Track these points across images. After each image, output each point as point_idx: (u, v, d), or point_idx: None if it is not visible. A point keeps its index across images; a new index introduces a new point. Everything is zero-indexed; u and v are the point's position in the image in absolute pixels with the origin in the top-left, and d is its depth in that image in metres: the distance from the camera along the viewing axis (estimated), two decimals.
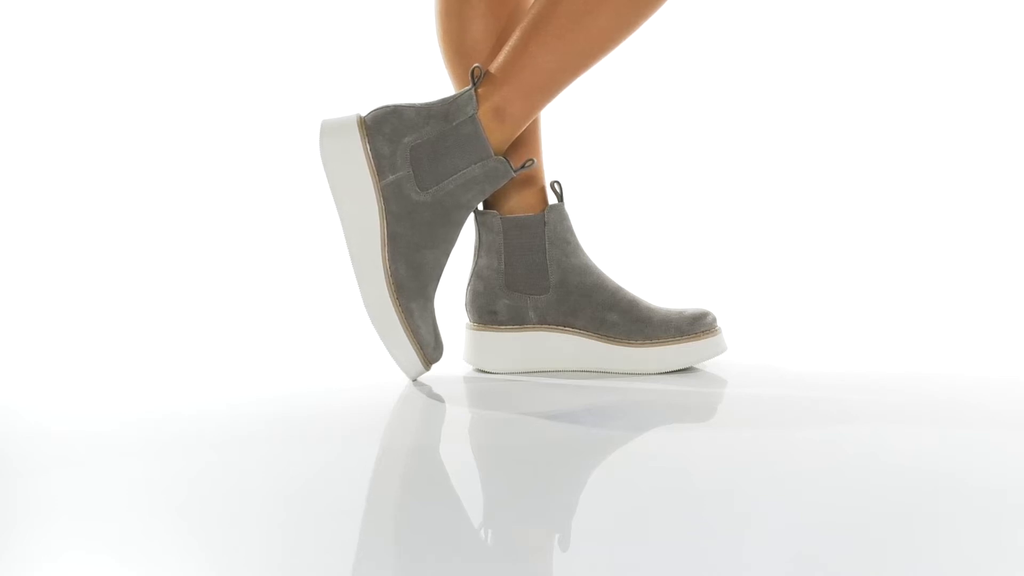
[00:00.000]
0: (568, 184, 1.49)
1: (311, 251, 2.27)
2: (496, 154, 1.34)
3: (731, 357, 1.47)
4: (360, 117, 1.35)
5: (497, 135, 1.34)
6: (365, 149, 1.33)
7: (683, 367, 1.40)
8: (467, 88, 1.34)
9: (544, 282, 1.41)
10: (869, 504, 0.93)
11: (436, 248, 1.34)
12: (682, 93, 2.76)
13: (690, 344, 1.39)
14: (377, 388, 1.36)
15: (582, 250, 1.43)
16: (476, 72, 1.33)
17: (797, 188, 2.63)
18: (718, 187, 2.66)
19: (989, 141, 2.64)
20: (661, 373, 1.40)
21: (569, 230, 1.42)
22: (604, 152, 2.70)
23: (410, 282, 1.33)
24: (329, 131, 1.34)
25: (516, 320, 1.42)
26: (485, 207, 1.43)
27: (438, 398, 1.32)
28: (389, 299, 1.33)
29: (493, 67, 1.34)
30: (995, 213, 2.50)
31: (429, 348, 1.35)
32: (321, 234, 2.07)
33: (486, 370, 1.43)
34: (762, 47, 2.76)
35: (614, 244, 2.12)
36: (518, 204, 1.42)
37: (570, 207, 1.48)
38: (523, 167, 1.35)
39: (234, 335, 1.79)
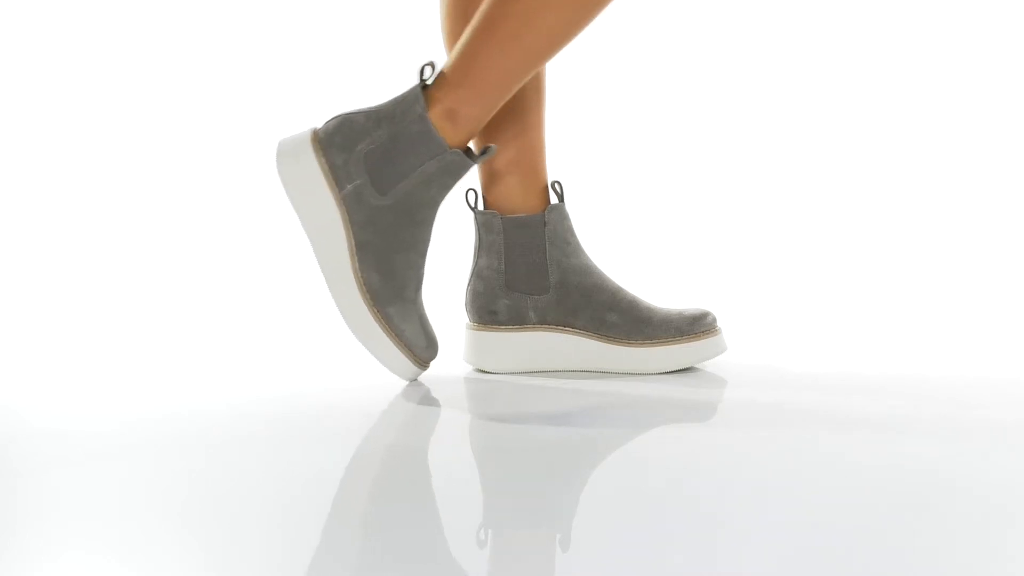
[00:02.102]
0: (568, 184, 1.49)
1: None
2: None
3: (731, 357, 1.48)
4: (314, 131, 1.33)
5: (452, 136, 1.31)
6: (320, 164, 1.32)
7: (683, 367, 1.40)
8: (414, 86, 1.32)
9: (544, 282, 1.41)
10: (869, 504, 0.93)
11: (407, 250, 1.33)
12: (682, 94, 2.76)
13: (690, 344, 1.39)
14: (377, 388, 1.36)
15: (583, 250, 1.43)
16: (425, 69, 1.32)
17: (796, 188, 2.64)
18: (718, 187, 2.66)
19: (989, 141, 2.64)
20: (661, 373, 1.40)
21: (569, 230, 1.42)
22: (604, 152, 2.70)
23: (383, 288, 1.33)
24: (285, 152, 1.33)
25: (516, 320, 1.41)
26: (485, 207, 1.43)
27: (438, 398, 1.32)
28: (365, 307, 1.32)
29: (446, 68, 1.31)
30: (995, 213, 2.50)
31: (419, 348, 1.35)
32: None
33: (486, 370, 1.43)
34: (761, 48, 2.76)
35: (614, 244, 2.12)
36: (519, 204, 1.42)
37: (571, 207, 1.48)
38: (484, 154, 1.33)
39: (234, 335, 1.79)
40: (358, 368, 1.43)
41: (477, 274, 1.43)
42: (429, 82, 1.31)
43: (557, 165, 1.53)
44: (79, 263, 2.37)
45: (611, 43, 2.73)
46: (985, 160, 2.63)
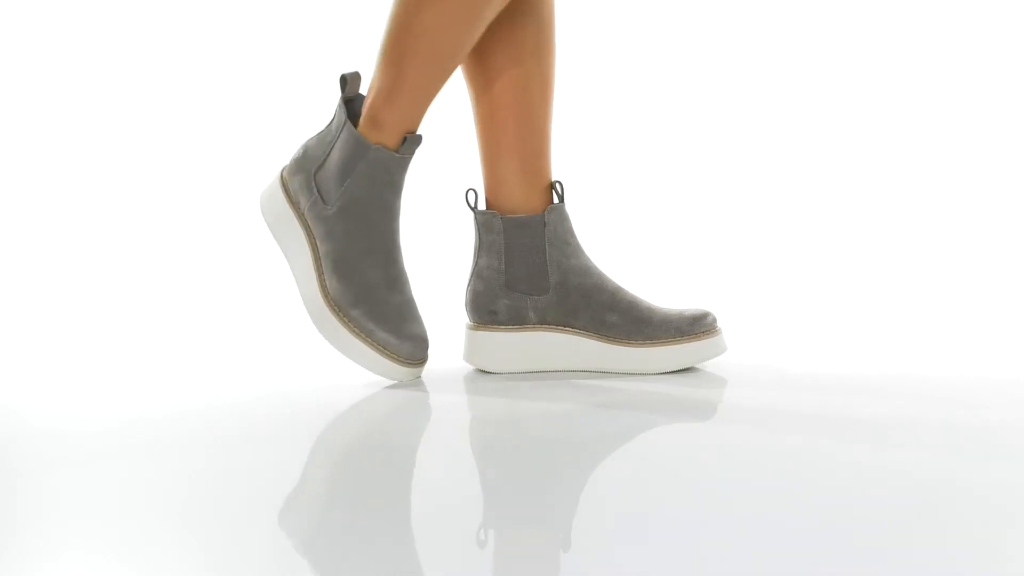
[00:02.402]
0: (569, 184, 1.49)
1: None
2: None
3: (731, 357, 1.47)
4: (282, 167, 1.42)
5: (381, 139, 1.35)
6: (284, 193, 1.39)
7: (683, 367, 1.40)
8: (339, 98, 1.37)
9: (544, 282, 1.41)
10: (869, 504, 0.93)
11: (368, 253, 1.35)
12: (682, 94, 2.76)
13: (690, 344, 1.39)
14: (376, 388, 1.36)
15: (583, 251, 1.43)
16: (347, 78, 1.36)
17: (796, 188, 2.63)
18: (718, 187, 2.66)
19: (989, 141, 2.64)
20: (661, 373, 1.40)
21: (569, 231, 1.42)
22: (604, 152, 2.70)
23: (346, 292, 1.34)
24: (264, 197, 1.42)
25: (516, 320, 1.42)
26: (487, 207, 1.44)
27: (437, 398, 1.32)
28: (329, 312, 1.34)
29: (368, 84, 1.38)
30: (995, 213, 2.50)
31: (393, 346, 1.35)
32: None
33: (486, 370, 1.43)
34: (762, 48, 2.76)
35: (614, 244, 2.12)
36: (519, 204, 1.42)
37: (571, 207, 1.48)
38: (405, 144, 1.35)
39: (234, 335, 1.79)
40: (357, 368, 1.43)
41: (477, 274, 1.43)
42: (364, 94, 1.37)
43: (557, 165, 1.53)
44: (79, 264, 2.37)
45: (611, 43, 2.73)
46: (984, 160, 2.63)
